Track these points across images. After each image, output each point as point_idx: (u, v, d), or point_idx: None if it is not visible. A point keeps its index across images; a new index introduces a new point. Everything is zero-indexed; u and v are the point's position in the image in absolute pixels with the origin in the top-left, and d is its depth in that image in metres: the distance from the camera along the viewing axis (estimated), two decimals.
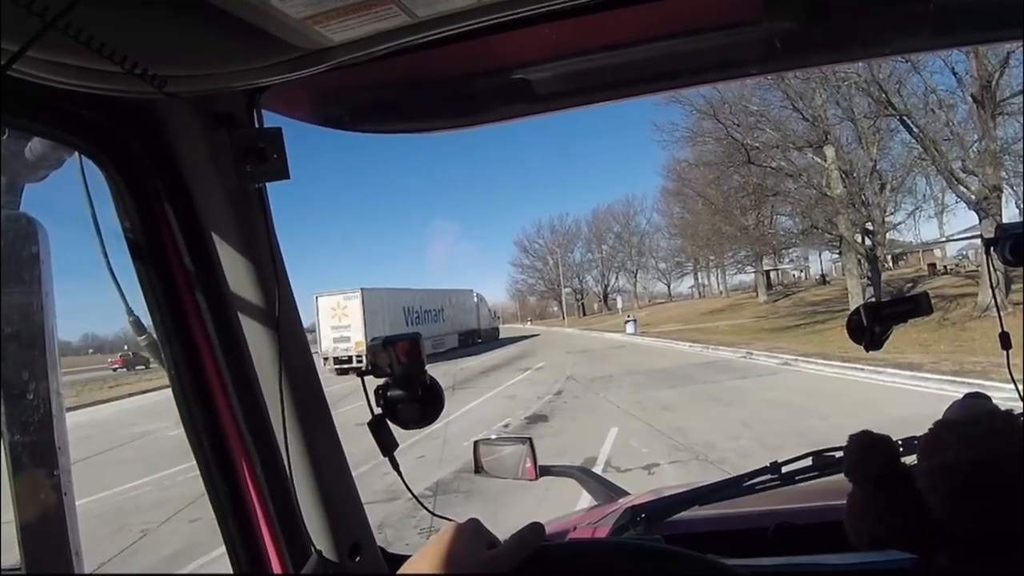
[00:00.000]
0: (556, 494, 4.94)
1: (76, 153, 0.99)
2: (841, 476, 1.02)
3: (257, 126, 1.09)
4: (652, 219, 79.63)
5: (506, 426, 11.90)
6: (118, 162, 1.00)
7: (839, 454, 1.15)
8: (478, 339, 44.11)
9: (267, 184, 1.12)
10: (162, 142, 1.04)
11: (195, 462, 1.12)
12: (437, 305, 38.59)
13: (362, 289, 29.85)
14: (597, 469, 7.47)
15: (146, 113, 1.01)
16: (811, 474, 1.42)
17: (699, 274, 77.52)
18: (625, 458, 8.62)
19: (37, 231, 0.93)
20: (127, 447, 13.47)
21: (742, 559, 1.17)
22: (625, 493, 2.19)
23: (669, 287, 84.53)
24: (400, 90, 1.23)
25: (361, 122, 1.31)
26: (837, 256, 37.01)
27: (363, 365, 1.11)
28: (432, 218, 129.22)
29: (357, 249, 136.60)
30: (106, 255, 1.01)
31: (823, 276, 55.18)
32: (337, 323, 29.51)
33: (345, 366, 26.86)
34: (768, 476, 1.46)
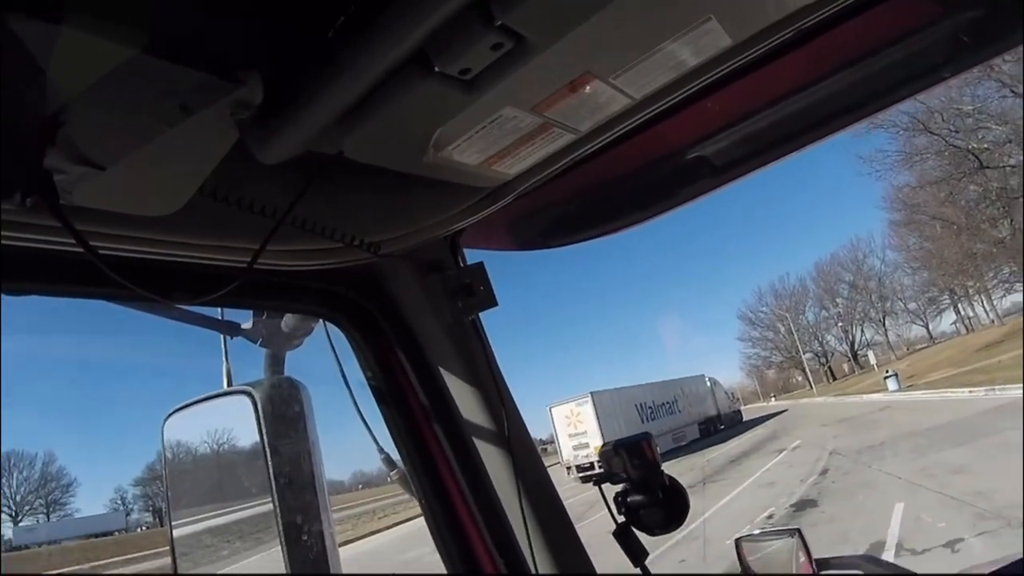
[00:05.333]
0: None
1: (320, 320, 1.17)
2: None
3: (461, 265, 1.20)
4: (887, 257, 70.13)
5: (770, 517, 10.81)
6: (353, 321, 1.17)
7: None
8: (720, 425, 41.22)
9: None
10: (385, 297, 1.19)
11: None
12: (670, 397, 37.15)
13: (591, 393, 29.86)
14: (887, 555, 6.52)
15: (368, 275, 1.17)
16: None
17: (959, 306, 64.89)
18: (919, 537, 7.32)
19: (300, 391, 1.09)
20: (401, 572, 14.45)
21: None
22: None
23: (928, 328, 72.14)
24: (583, 199, 1.29)
25: (553, 238, 1.38)
26: None
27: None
28: (642, 312, 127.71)
29: (574, 355, 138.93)
30: (356, 403, 1.16)
31: None
32: (573, 431, 29.56)
33: (588, 473, 26.55)
34: None
